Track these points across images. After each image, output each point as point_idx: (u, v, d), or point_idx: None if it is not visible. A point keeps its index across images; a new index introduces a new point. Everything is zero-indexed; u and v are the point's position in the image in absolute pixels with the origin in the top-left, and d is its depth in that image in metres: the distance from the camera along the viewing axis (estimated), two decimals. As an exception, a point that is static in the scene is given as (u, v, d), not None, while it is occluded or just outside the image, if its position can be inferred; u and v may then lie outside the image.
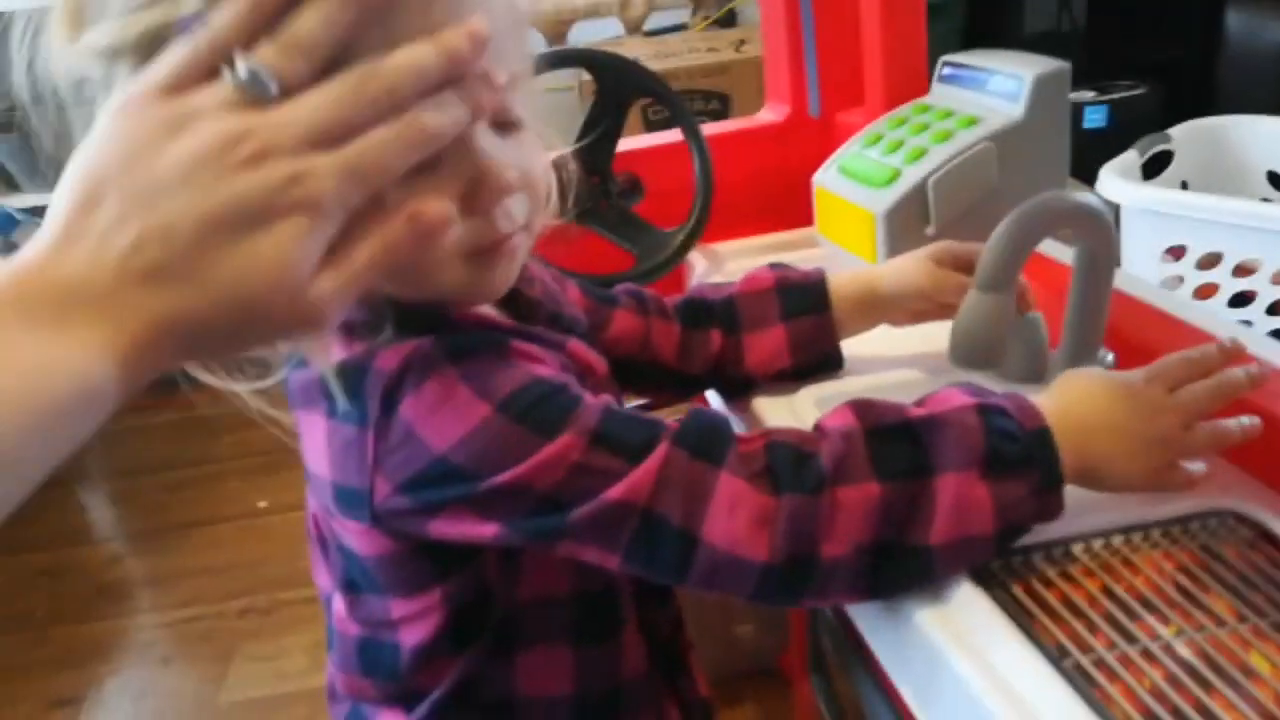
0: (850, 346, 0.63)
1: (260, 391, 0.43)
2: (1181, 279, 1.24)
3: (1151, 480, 0.46)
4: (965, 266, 0.60)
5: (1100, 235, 0.52)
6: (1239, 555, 0.45)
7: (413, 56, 0.31)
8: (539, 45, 1.93)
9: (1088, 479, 0.46)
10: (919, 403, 0.46)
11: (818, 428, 0.45)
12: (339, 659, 0.52)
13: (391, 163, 0.31)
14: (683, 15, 2.20)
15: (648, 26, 2.16)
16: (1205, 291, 1.23)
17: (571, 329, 0.52)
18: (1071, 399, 0.46)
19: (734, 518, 0.41)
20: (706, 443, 0.43)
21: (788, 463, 0.43)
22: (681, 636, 0.56)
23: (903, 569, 0.43)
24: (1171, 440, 0.46)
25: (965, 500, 0.42)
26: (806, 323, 0.61)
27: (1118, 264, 0.55)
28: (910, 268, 0.62)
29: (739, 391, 0.63)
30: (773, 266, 0.64)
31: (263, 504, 1.78)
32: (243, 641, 1.45)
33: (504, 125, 0.43)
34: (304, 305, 0.30)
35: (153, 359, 0.29)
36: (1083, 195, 0.51)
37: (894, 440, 0.43)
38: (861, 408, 0.45)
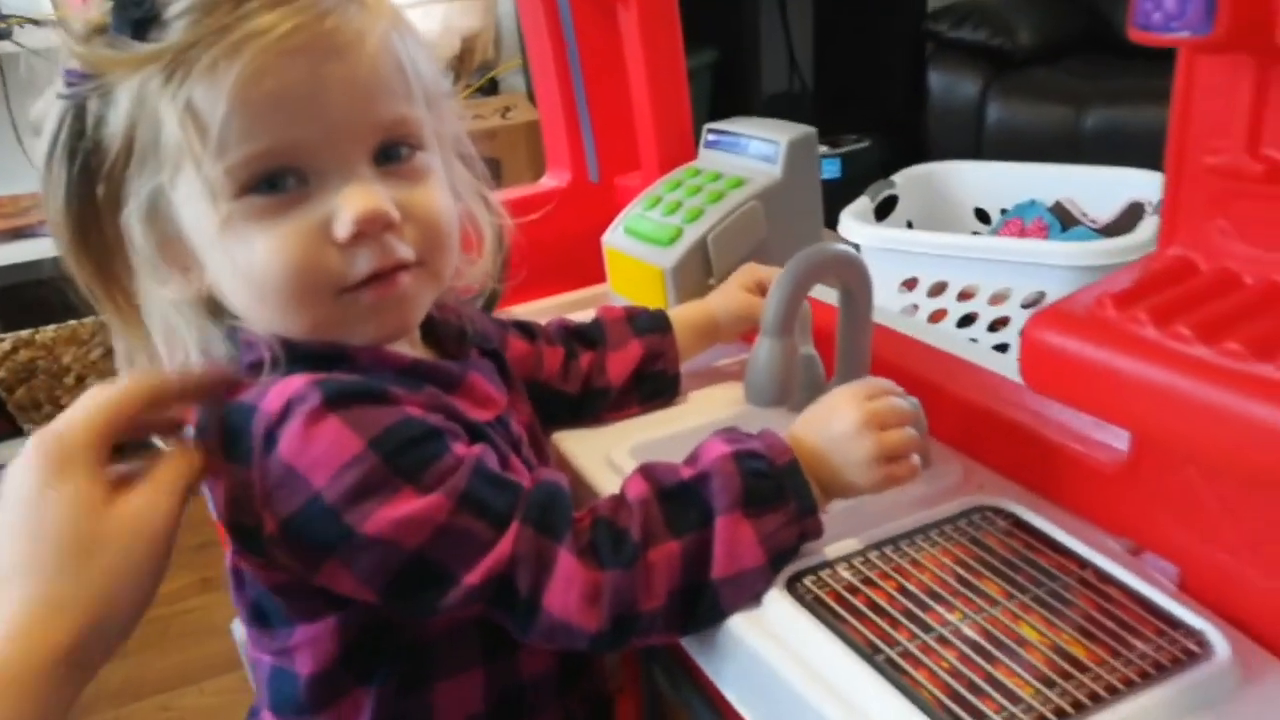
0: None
1: None
2: (917, 306, 1.41)
3: (874, 478, 0.52)
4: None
5: (857, 277, 0.59)
6: (1000, 543, 0.53)
7: None
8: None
9: (834, 492, 0.52)
10: (690, 457, 0.52)
11: (622, 497, 0.50)
12: (260, 697, 0.53)
13: None
14: (445, 83, 2.22)
15: (410, 94, 2.16)
16: (937, 316, 1.40)
17: (482, 344, 0.58)
18: (806, 428, 0.53)
19: (569, 593, 0.47)
20: (550, 518, 0.48)
21: (608, 540, 0.48)
22: None
23: (702, 606, 0.48)
24: (873, 446, 0.51)
25: (733, 538, 0.48)
26: (654, 339, 0.69)
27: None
28: (733, 295, 0.71)
29: (597, 409, 0.69)
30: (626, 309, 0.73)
31: None
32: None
33: (394, 165, 0.48)
34: None
35: None
36: (839, 246, 0.59)
37: (678, 500, 0.49)
38: (649, 473, 0.51)
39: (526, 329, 0.68)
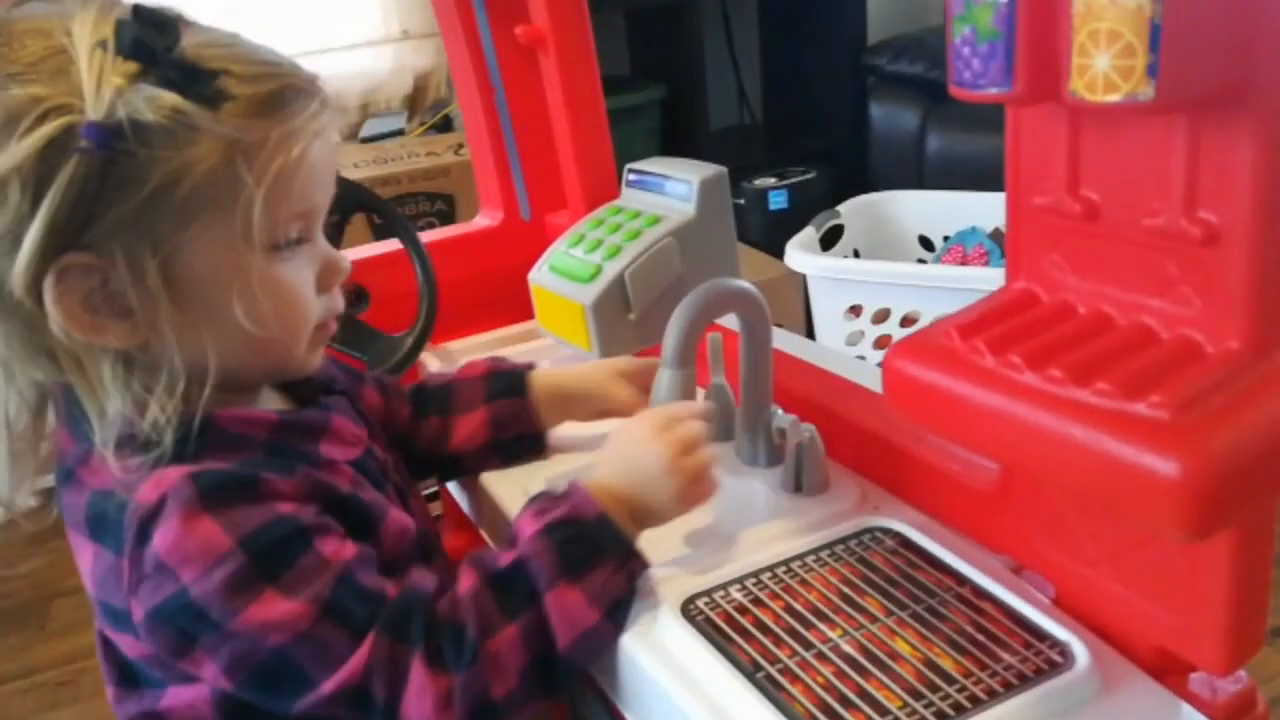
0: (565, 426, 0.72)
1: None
2: (862, 333, 1.44)
3: (683, 505, 0.56)
4: (642, 383, 0.70)
5: (754, 310, 0.62)
6: (886, 562, 0.55)
7: None
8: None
9: (646, 525, 0.55)
10: (510, 538, 0.54)
11: (455, 593, 0.51)
12: None
13: None
14: (399, 122, 2.24)
15: (364, 134, 2.19)
16: (882, 342, 1.44)
17: (331, 387, 0.61)
18: (614, 474, 0.56)
19: (424, 702, 0.48)
20: (406, 627, 0.49)
21: (449, 642, 0.49)
22: None
23: (556, 673, 0.50)
24: (681, 481, 0.55)
25: (565, 608, 0.50)
26: (506, 404, 0.70)
27: (804, 327, 0.66)
28: (595, 376, 0.72)
29: (455, 472, 0.72)
30: (491, 358, 0.73)
31: None
32: None
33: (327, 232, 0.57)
34: None
35: None
36: (738, 281, 0.62)
37: (505, 585, 0.51)
38: (475, 564, 0.52)
39: (380, 381, 0.71)
